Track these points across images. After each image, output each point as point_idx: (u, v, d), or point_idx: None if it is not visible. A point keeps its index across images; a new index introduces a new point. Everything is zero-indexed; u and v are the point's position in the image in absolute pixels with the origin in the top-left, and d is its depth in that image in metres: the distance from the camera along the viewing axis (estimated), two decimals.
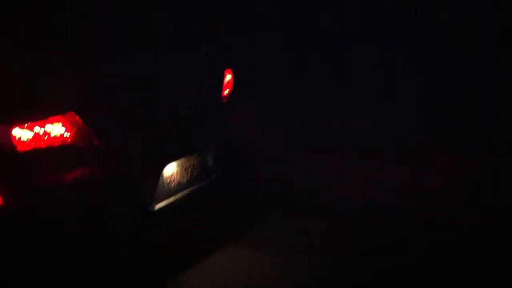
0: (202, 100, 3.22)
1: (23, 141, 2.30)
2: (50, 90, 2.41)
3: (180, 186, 2.95)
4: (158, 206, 2.78)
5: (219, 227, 3.61)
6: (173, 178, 2.90)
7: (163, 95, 2.92)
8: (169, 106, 2.92)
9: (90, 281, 2.60)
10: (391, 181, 4.73)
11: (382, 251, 3.41)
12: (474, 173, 4.90)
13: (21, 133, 2.29)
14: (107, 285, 2.73)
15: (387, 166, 5.14)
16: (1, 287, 2.33)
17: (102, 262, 2.61)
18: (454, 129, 6.15)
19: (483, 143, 5.66)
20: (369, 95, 6.94)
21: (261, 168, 4.72)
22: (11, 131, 2.28)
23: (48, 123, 2.34)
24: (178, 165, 2.94)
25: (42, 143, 2.33)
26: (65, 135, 2.38)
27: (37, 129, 2.32)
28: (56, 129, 2.36)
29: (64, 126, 2.37)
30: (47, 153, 2.34)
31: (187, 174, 3.00)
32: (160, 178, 2.81)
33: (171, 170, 2.89)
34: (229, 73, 3.44)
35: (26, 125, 2.30)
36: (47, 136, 2.34)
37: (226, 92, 3.42)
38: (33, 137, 2.31)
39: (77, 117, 2.41)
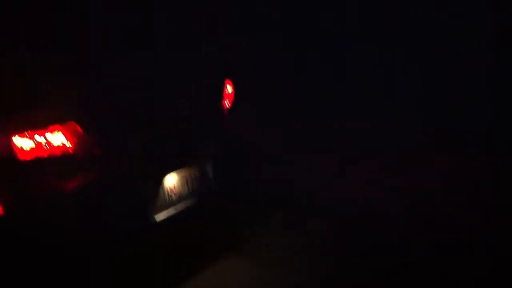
0: (203, 111, 3.21)
1: (24, 150, 2.31)
2: (50, 99, 2.42)
3: (180, 197, 2.93)
4: (159, 216, 2.77)
5: (219, 227, 3.61)
6: (173, 189, 2.89)
7: (164, 105, 2.90)
8: (170, 116, 2.91)
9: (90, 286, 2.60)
10: (391, 181, 4.73)
11: (382, 251, 3.41)
12: (474, 173, 4.90)
13: (22, 142, 2.30)
14: None
15: (387, 166, 5.14)
16: None
17: (101, 269, 2.60)
18: (454, 129, 6.15)
19: (483, 143, 5.66)
20: (369, 95, 6.94)
21: (261, 168, 4.72)
22: (12, 140, 2.28)
23: (49, 132, 2.35)
24: (178, 176, 2.93)
25: (43, 152, 2.33)
26: (66, 144, 2.38)
27: (37, 138, 2.33)
28: (56, 138, 2.37)
29: (65, 135, 2.38)
30: (48, 162, 2.34)
31: (188, 185, 2.99)
32: (161, 188, 2.80)
33: (171, 181, 2.88)
34: (229, 84, 3.43)
35: (26, 134, 2.31)
36: (48, 145, 2.35)
37: (227, 103, 3.42)
38: (34, 146, 2.32)
39: (78, 126, 2.41)
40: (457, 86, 6.71)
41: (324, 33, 7.41)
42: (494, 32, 6.67)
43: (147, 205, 2.73)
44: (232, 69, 3.65)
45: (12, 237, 2.31)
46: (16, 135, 2.29)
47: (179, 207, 2.91)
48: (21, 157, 2.30)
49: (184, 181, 2.97)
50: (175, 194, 2.89)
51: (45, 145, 2.34)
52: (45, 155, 2.34)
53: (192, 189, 3.01)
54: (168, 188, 2.85)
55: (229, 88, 3.41)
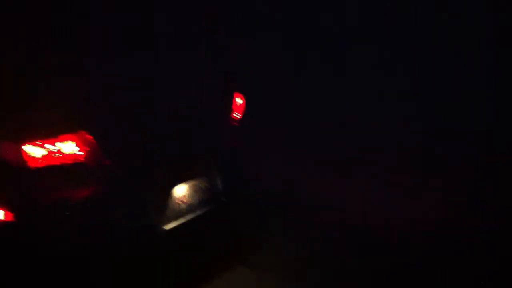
0: (214, 122, 3.22)
1: (35, 158, 2.31)
2: (64, 107, 2.43)
3: (190, 208, 2.94)
4: (168, 226, 2.78)
5: (222, 232, 3.60)
6: (183, 200, 2.90)
7: (173, 117, 2.90)
8: (180, 127, 2.92)
9: None
10: (391, 181, 4.73)
11: (382, 251, 3.41)
12: (474, 173, 4.90)
13: (33, 150, 2.31)
14: None
15: (387, 166, 5.14)
16: None
17: (109, 279, 2.60)
18: (454, 129, 6.14)
19: (483, 143, 5.66)
20: (369, 95, 6.93)
21: (261, 168, 4.72)
22: (23, 148, 2.29)
23: (60, 141, 2.36)
24: (188, 187, 2.94)
25: (53, 160, 2.34)
26: (76, 153, 2.39)
27: (48, 146, 2.34)
28: (67, 147, 2.38)
29: (76, 144, 2.39)
30: (59, 170, 2.35)
31: (197, 196, 3.00)
32: (171, 199, 2.81)
33: (181, 191, 2.89)
34: (239, 98, 3.44)
35: (37, 142, 2.31)
36: (58, 153, 2.35)
37: (236, 115, 3.42)
38: (44, 154, 2.33)
39: (89, 136, 2.42)
40: (457, 86, 6.70)
41: (324, 33, 7.40)
42: (494, 32, 6.66)
43: (157, 215, 2.73)
44: (241, 81, 3.65)
45: (22, 243, 2.32)
46: (27, 143, 2.30)
47: (189, 216, 2.92)
48: (32, 165, 2.30)
49: (194, 191, 2.97)
50: (185, 204, 2.90)
51: (56, 154, 2.35)
52: (56, 163, 2.35)
53: (201, 199, 3.02)
54: (178, 198, 2.86)
55: (239, 100, 3.42)
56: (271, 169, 4.85)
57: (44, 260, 2.35)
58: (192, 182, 2.97)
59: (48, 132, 2.34)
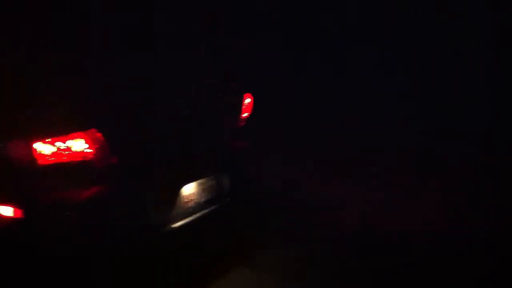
0: (222, 122, 3.23)
1: (45, 156, 2.32)
2: (73, 105, 2.43)
3: (197, 207, 2.94)
4: (175, 225, 2.78)
5: (223, 231, 3.60)
6: (191, 199, 2.90)
7: (182, 115, 2.91)
8: (189, 126, 2.92)
9: None
10: (391, 181, 4.73)
11: (382, 251, 3.41)
12: (474, 173, 4.90)
13: (42, 148, 2.31)
14: None
15: (387, 166, 5.14)
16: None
17: (115, 277, 2.61)
18: (454, 129, 6.14)
19: (483, 143, 5.66)
20: (369, 95, 6.93)
21: (261, 168, 4.72)
22: (33, 145, 2.30)
23: (70, 139, 2.36)
24: (196, 186, 2.94)
25: (63, 158, 2.35)
26: (86, 151, 2.39)
27: (58, 144, 2.34)
28: (77, 144, 2.38)
29: (86, 142, 2.39)
30: (68, 168, 2.36)
31: (205, 195, 3.00)
32: (178, 197, 2.81)
33: (189, 190, 2.89)
34: (248, 97, 3.44)
35: (48, 139, 2.32)
36: (68, 151, 2.36)
37: (244, 115, 3.43)
38: (54, 151, 2.33)
39: (99, 134, 2.42)
40: (457, 86, 6.70)
41: (324, 33, 7.40)
42: (494, 32, 6.66)
43: (163, 214, 2.73)
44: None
45: (31, 239, 2.33)
46: (37, 141, 2.30)
47: (196, 215, 2.93)
48: (42, 162, 2.31)
49: (201, 190, 2.97)
50: (192, 202, 2.90)
51: (65, 151, 2.35)
52: (65, 161, 2.35)
53: (209, 198, 3.02)
54: (186, 197, 2.85)
55: (247, 100, 3.42)
56: (271, 169, 4.85)
57: (51, 258, 2.35)
58: (201, 181, 2.97)
59: (58, 129, 2.35)
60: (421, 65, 6.97)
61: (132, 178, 2.57)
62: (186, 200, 2.86)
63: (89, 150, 2.39)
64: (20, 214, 2.30)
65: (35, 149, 2.31)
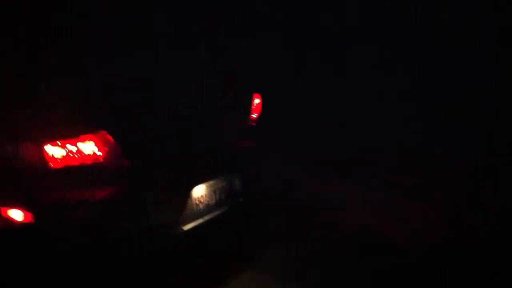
0: (232, 123, 3.22)
1: (55, 158, 2.30)
2: (82, 107, 2.42)
3: (208, 208, 2.92)
4: (186, 227, 2.77)
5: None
6: (201, 200, 2.89)
7: (192, 117, 2.90)
8: (200, 128, 2.91)
9: None
10: (391, 181, 4.73)
11: (382, 251, 3.41)
12: (474, 173, 4.90)
13: (53, 150, 2.30)
14: None
15: (387, 166, 5.14)
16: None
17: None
18: (454, 129, 6.15)
19: (483, 143, 5.66)
20: (369, 95, 6.93)
21: (261, 168, 4.71)
22: (44, 148, 2.28)
23: (80, 141, 2.35)
24: (207, 187, 2.92)
25: (74, 160, 2.33)
26: (96, 154, 2.38)
27: (69, 146, 2.33)
28: (88, 147, 2.37)
29: (96, 145, 2.38)
30: (79, 171, 2.34)
31: (216, 196, 2.98)
32: (189, 199, 2.80)
33: (200, 191, 2.88)
34: (257, 98, 3.44)
35: (58, 142, 2.30)
36: (79, 154, 2.34)
37: (254, 116, 3.42)
38: (65, 154, 2.32)
39: (109, 136, 2.41)
40: (457, 86, 6.71)
41: (324, 33, 7.41)
42: (494, 32, 6.66)
43: (175, 215, 2.71)
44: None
45: (41, 243, 2.31)
46: (48, 144, 2.29)
47: (207, 217, 2.91)
48: (52, 165, 2.30)
49: (212, 192, 2.96)
50: (203, 204, 2.89)
51: (76, 154, 2.34)
52: (76, 163, 2.33)
53: (220, 200, 3.00)
54: (197, 199, 2.85)
55: (257, 100, 3.42)
56: (271, 169, 4.85)
57: (61, 261, 2.34)
58: (211, 182, 2.96)
59: (68, 132, 2.33)
60: (421, 65, 6.97)
61: (142, 180, 2.56)
62: (196, 202, 2.85)
63: (99, 153, 2.39)
64: (30, 217, 2.29)
65: (46, 152, 2.29)
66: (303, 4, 7.49)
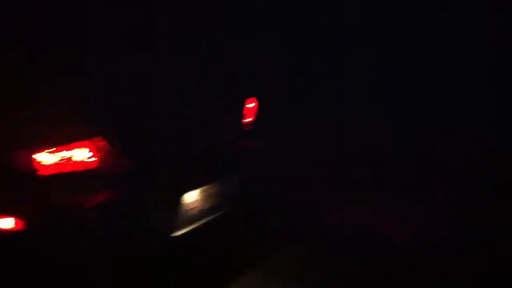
0: (227, 127, 3.20)
1: (47, 165, 2.29)
2: (77, 112, 2.41)
3: (201, 214, 2.91)
4: (179, 232, 2.75)
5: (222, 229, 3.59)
6: (194, 205, 2.87)
7: (186, 121, 2.88)
8: (193, 133, 2.90)
9: None
10: (390, 181, 4.73)
11: (382, 251, 3.41)
12: (474, 173, 4.90)
13: (45, 157, 2.28)
14: None
15: (386, 166, 5.14)
16: None
17: (113, 274, 2.60)
18: (454, 129, 6.15)
19: (483, 143, 5.66)
20: (369, 95, 6.93)
21: (261, 168, 4.71)
22: (35, 155, 2.26)
23: (74, 148, 2.33)
24: (200, 192, 2.90)
25: (66, 167, 2.32)
26: (90, 160, 2.37)
27: (61, 153, 2.31)
28: (81, 153, 2.35)
29: (90, 151, 2.36)
30: (71, 178, 2.32)
31: (209, 201, 2.96)
32: (181, 204, 2.77)
33: (193, 197, 2.85)
34: (252, 102, 3.42)
35: (50, 148, 2.29)
36: (72, 160, 2.32)
37: (249, 119, 3.40)
38: (57, 161, 2.30)
39: (104, 142, 2.40)
40: (457, 86, 6.70)
41: (324, 33, 7.40)
42: (494, 32, 6.66)
43: (167, 230, 2.70)
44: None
45: (33, 250, 2.31)
46: (39, 151, 2.27)
47: (200, 222, 2.89)
48: (44, 172, 2.28)
49: (206, 197, 2.94)
50: (196, 210, 2.87)
51: (68, 161, 2.32)
52: (69, 170, 2.32)
53: (214, 205, 2.99)
54: (188, 205, 2.83)
55: (251, 104, 3.40)
56: (271, 169, 4.84)
57: (54, 267, 2.33)
58: (205, 187, 2.93)
59: (60, 139, 2.31)
60: (421, 65, 6.97)
61: (136, 186, 2.55)
62: (188, 208, 2.84)
63: (93, 159, 2.37)
64: (21, 225, 2.28)
65: (36, 159, 2.27)
66: (303, 4, 7.49)
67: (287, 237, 3.62)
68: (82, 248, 2.36)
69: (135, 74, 2.77)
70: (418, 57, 6.99)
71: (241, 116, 3.33)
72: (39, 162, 2.28)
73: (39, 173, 2.27)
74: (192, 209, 2.84)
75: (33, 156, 2.26)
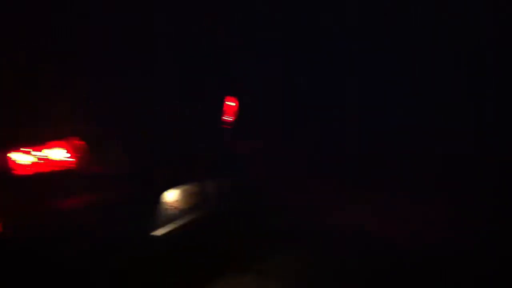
0: (206, 125, 3.19)
1: (24, 165, 2.26)
2: (55, 112, 2.38)
3: (182, 213, 2.90)
4: (159, 232, 2.74)
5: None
6: (175, 205, 2.86)
7: (166, 120, 2.87)
8: (173, 132, 2.88)
9: None
10: (390, 181, 4.73)
11: (382, 251, 3.41)
12: (474, 173, 4.90)
13: (21, 157, 2.25)
14: None
15: (386, 166, 5.14)
16: None
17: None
18: (454, 129, 6.15)
19: (483, 143, 5.66)
20: (369, 95, 6.93)
21: (261, 168, 4.72)
22: (11, 155, 2.23)
23: (51, 148, 2.30)
24: (180, 192, 2.90)
25: (44, 167, 2.29)
26: (68, 160, 2.34)
27: (39, 153, 2.28)
28: (59, 153, 2.32)
29: (68, 151, 2.34)
30: (49, 178, 2.30)
31: (190, 200, 2.96)
32: (162, 204, 2.76)
33: (173, 196, 2.85)
34: (231, 101, 3.41)
35: (27, 149, 2.26)
36: (49, 160, 2.30)
37: (228, 118, 3.39)
38: (34, 161, 2.27)
39: (81, 142, 2.38)
40: (457, 86, 6.70)
41: (324, 33, 7.40)
42: (494, 32, 6.66)
43: (148, 221, 2.69)
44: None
45: (10, 252, 2.26)
46: (14, 151, 2.24)
47: (182, 221, 2.88)
48: (21, 172, 2.25)
49: (187, 196, 2.94)
50: (176, 209, 2.86)
51: (46, 161, 2.29)
52: (46, 170, 2.29)
53: (195, 204, 2.98)
54: (169, 204, 2.82)
55: (230, 103, 3.39)
56: (271, 169, 4.85)
57: (33, 268, 2.30)
58: (185, 187, 2.93)
59: (36, 138, 2.28)
60: (421, 65, 6.97)
61: (113, 186, 2.52)
62: (169, 207, 2.82)
63: (70, 159, 2.35)
64: None
65: (12, 159, 2.24)
66: (303, 4, 7.48)
67: (287, 237, 3.61)
68: (61, 248, 2.32)
69: (119, 77, 2.75)
70: (418, 57, 6.98)
71: (221, 114, 3.32)
72: (14, 162, 2.25)
73: (14, 173, 2.24)
74: (172, 208, 2.82)
75: (8, 155, 2.23)
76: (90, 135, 2.41)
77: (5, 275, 2.26)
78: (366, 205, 4.24)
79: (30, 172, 2.27)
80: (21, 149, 2.26)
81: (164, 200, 2.79)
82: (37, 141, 2.29)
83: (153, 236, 2.70)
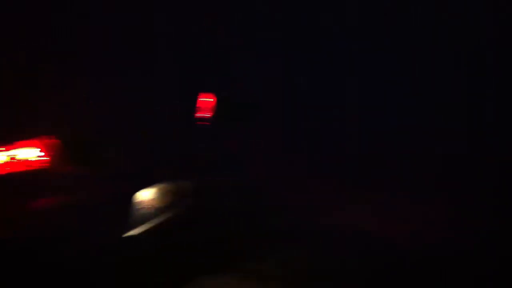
0: (180, 122, 3.16)
1: None
2: (30, 111, 2.35)
3: (157, 212, 2.85)
4: (133, 232, 2.68)
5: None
6: (150, 204, 2.81)
7: (145, 119, 2.85)
8: (149, 130, 2.86)
9: None
10: (390, 180, 4.73)
11: (382, 251, 3.41)
12: (474, 173, 4.90)
13: None
14: None
15: (386, 166, 5.14)
16: None
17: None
18: (454, 129, 6.15)
19: (483, 143, 5.66)
20: (369, 95, 6.93)
21: (261, 168, 4.72)
22: None
23: (24, 147, 2.26)
24: (155, 191, 2.85)
25: (16, 167, 2.24)
26: (41, 159, 2.29)
27: (12, 152, 2.23)
28: (33, 153, 2.28)
29: (42, 151, 2.29)
30: (22, 178, 2.25)
31: (164, 199, 2.91)
32: (136, 204, 2.70)
33: (147, 195, 2.79)
34: (208, 97, 3.37)
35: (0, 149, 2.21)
36: (23, 160, 2.25)
37: (204, 114, 3.35)
38: (7, 160, 2.22)
39: (56, 141, 2.34)
40: (457, 86, 6.70)
41: (324, 33, 7.40)
42: (494, 32, 6.66)
43: (123, 220, 2.64)
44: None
45: None
46: None
47: (157, 221, 2.84)
48: None
49: (162, 195, 2.89)
50: (150, 208, 2.82)
51: (19, 160, 2.25)
52: (17, 170, 2.24)
53: (170, 202, 2.94)
54: (142, 203, 2.77)
55: (207, 99, 3.35)
56: (271, 170, 4.85)
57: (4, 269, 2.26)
58: (159, 186, 2.88)
59: (11, 137, 2.24)
60: (421, 65, 6.97)
61: (88, 186, 2.47)
62: (143, 206, 2.79)
63: (44, 158, 2.30)
64: None
65: None
66: (303, 4, 7.48)
67: (287, 237, 3.61)
68: (34, 249, 2.29)
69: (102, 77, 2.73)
70: (418, 57, 6.99)
71: (194, 110, 3.29)
72: None
73: None
74: (146, 207, 2.80)
75: None
76: (68, 134, 2.39)
77: None
78: (366, 205, 4.24)
79: (4, 171, 2.23)
80: None
81: (139, 200, 2.76)
82: (8, 140, 2.24)
83: (128, 236, 2.68)
